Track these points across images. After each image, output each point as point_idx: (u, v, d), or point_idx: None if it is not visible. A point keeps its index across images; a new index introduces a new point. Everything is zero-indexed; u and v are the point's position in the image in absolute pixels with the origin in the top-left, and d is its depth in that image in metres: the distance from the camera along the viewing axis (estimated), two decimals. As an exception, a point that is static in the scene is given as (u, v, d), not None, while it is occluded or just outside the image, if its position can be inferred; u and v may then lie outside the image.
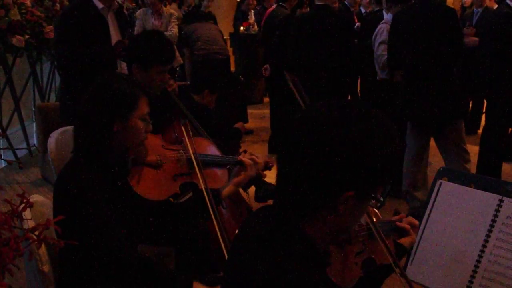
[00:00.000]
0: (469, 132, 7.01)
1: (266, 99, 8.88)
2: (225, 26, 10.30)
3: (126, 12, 6.84)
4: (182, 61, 8.42)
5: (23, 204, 1.33)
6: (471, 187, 2.24)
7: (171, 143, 2.96)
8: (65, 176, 2.28)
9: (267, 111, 7.70)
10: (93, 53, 4.13)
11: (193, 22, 8.23)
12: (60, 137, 3.04)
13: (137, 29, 7.58)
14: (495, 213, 2.15)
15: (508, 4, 5.20)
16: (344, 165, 1.31)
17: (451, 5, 7.14)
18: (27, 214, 1.44)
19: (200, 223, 2.90)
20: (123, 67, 4.30)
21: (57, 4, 6.30)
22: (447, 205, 2.28)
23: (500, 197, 2.16)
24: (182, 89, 5.13)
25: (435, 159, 5.92)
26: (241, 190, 3.58)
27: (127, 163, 2.58)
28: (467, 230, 2.20)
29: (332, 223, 1.41)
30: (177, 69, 8.59)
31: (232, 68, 9.90)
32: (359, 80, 7.88)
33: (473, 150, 5.33)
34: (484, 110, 6.76)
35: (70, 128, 3.03)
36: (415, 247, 2.10)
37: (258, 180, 3.30)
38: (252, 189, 4.27)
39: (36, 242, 1.30)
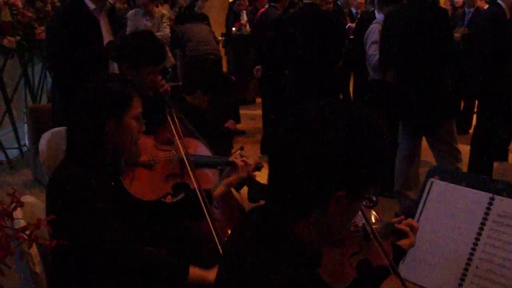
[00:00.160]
0: (461, 132, 7.03)
1: (259, 100, 8.88)
2: (217, 27, 10.29)
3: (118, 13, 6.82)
4: (174, 62, 8.41)
5: (14, 204, 1.32)
6: (462, 186, 2.25)
7: (164, 144, 2.95)
8: (58, 175, 2.27)
9: (259, 112, 7.70)
10: (84, 54, 4.12)
11: (185, 23, 8.22)
12: (51, 138, 3.03)
13: (129, 30, 7.56)
14: (486, 211, 2.17)
15: (499, 4, 5.22)
16: (335, 164, 1.31)
17: (443, 5, 7.17)
18: (18, 213, 1.44)
19: (192, 223, 2.90)
20: (114, 67, 4.29)
21: (48, 5, 6.28)
22: (439, 204, 2.29)
23: (490, 195, 2.17)
24: (174, 90, 5.12)
25: (428, 159, 5.94)
26: (233, 191, 3.58)
27: (120, 163, 2.58)
28: (459, 228, 2.21)
29: (324, 224, 1.41)
30: (169, 69, 8.58)
31: (224, 69, 9.90)
32: (352, 80, 7.89)
33: (465, 149, 5.35)
34: (475, 110, 6.79)
35: (61, 129, 3.02)
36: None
37: (250, 180, 3.30)
38: (244, 189, 4.27)
39: (27, 242, 1.29)
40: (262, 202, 1.55)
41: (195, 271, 2.28)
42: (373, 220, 2.00)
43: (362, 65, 5.96)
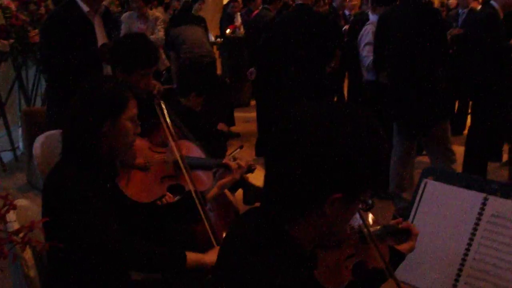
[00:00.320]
0: (455, 133, 7.04)
1: (253, 102, 8.88)
2: (211, 29, 10.29)
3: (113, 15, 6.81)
4: (169, 64, 8.40)
5: (7, 207, 1.32)
6: (456, 186, 2.25)
7: (158, 146, 2.95)
8: (54, 176, 2.27)
9: (254, 114, 7.70)
10: (78, 57, 4.11)
11: (179, 25, 8.22)
12: (45, 142, 3.02)
13: (123, 33, 7.52)
14: (480, 211, 2.17)
15: (491, 5, 5.24)
16: (332, 166, 1.31)
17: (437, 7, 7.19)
18: (11, 216, 1.43)
19: (187, 225, 2.90)
20: (108, 70, 4.28)
21: (42, 8, 6.26)
22: (433, 204, 2.29)
23: (484, 195, 2.17)
24: (168, 92, 5.12)
25: (423, 160, 5.96)
26: (228, 193, 3.58)
27: (115, 165, 2.58)
28: (453, 228, 2.21)
29: (320, 226, 1.41)
30: (164, 72, 8.57)
31: (219, 71, 9.90)
32: (346, 81, 7.89)
33: (459, 150, 5.36)
34: (469, 111, 6.81)
35: (55, 132, 3.02)
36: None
37: (245, 183, 3.30)
38: (239, 192, 4.27)
39: (20, 245, 1.29)
40: (257, 204, 1.55)
41: (191, 256, 2.31)
42: (370, 222, 2.00)
43: (356, 67, 5.97)
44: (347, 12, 9.17)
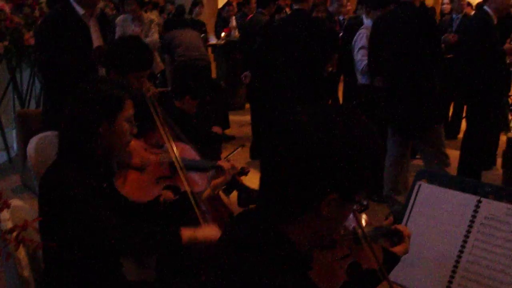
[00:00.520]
0: (450, 137, 7.07)
1: (248, 105, 8.89)
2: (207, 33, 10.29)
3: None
4: (163, 67, 8.40)
5: (0, 205, 1.32)
6: (450, 189, 2.26)
7: (153, 147, 2.96)
8: (51, 175, 2.27)
9: (248, 118, 7.70)
10: (72, 59, 4.11)
11: (174, 29, 8.22)
12: (39, 143, 3.02)
13: (117, 36, 7.54)
14: (473, 213, 2.18)
15: (485, 10, 5.26)
16: (328, 167, 1.31)
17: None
18: (5, 215, 1.43)
19: (182, 226, 2.90)
20: (103, 72, 4.28)
21: (36, 10, 6.26)
22: (426, 207, 2.30)
23: (478, 198, 2.18)
24: (163, 95, 5.12)
25: (417, 163, 5.97)
26: (222, 195, 3.58)
27: (112, 165, 2.58)
28: (446, 231, 2.22)
29: (315, 227, 1.41)
30: (158, 75, 8.57)
31: (214, 75, 9.89)
32: (341, 85, 7.90)
33: (454, 154, 5.37)
34: (464, 115, 6.83)
35: (50, 133, 3.01)
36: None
37: (239, 185, 3.30)
38: (234, 194, 4.27)
39: (13, 244, 1.29)
40: (252, 206, 1.55)
41: (185, 232, 2.34)
42: (364, 224, 2.00)
43: (350, 70, 5.99)
44: (341, 17, 9.20)
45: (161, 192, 2.75)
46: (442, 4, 10.33)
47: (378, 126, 1.44)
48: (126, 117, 2.35)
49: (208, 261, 1.67)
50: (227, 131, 8.07)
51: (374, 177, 1.41)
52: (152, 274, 2.98)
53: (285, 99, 5.72)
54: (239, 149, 3.23)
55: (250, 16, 8.09)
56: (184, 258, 2.82)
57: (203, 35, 9.43)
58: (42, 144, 3.00)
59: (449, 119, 7.71)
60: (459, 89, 6.12)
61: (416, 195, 2.35)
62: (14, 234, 1.33)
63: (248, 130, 7.85)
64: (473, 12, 7.50)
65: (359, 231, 1.78)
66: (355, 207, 1.47)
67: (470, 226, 2.17)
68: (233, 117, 8.73)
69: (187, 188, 2.68)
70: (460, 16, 7.66)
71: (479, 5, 6.70)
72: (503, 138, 7.00)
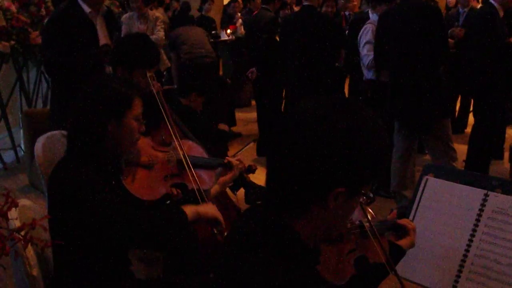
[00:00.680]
0: (457, 131, 7.05)
1: (254, 102, 8.89)
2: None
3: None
4: (169, 65, 8.41)
5: (8, 204, 1.33)
6: (457, 183, 2.26)
7: (160, 145, 2.97)
8: (59, 171, 2.28)
9: (254, 114, 7.70)
10: (79, 58, 4.12)
11: (179, 26, 8.23)
12: (47, 142, 3.02)
13: (123, 33, 7.55)
14: (480, 207, 2.17)
15: (491, 4, 5.25)
16: (334, 161, 1.31)
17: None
18: (13, 214, 1.44)
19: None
20: (110, 70, 4.29)
21: (42, 9, 6.27)
22: (434, 201, 2.30)
23: (485, 191, 2.18)
24: (169, 93, 5.12)
25: (425, 158, 5.96)
26: (230, 192, 3.59)
27: (120, 163, 2.59)
28: (454, 225, 2.21)
29: (322, 220, 1.41)
30: (164, 72, 8.58)
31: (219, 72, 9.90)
32: (347, 80, 7.89)
33: (461, 149, 5.37)
34: (471, 109, 6.81)
35: (57, 132, 3.02)
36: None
37: (246, 182, 3.31)
38: (241, 191, 4.28)
39: (22, 242, 1.29)
40: (259, 203, 1.56)
41: (187, 210, 2.37)
42: (369, 218, 2.01)
43: (356, 66, 5.98)
44: (347, 13, 9.20)
45: (168, 190, 2.76)
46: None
47: (384, 121, 1.44)
48: (134, 115, 2.36)
49: (216, 258, 1.67)
50: (233, 128, 8.08)
51: (380, 170, 1.42)
52: (160, 272, 3.00)
53: (294, 94, 5.73)
54: (251, 144, 3.23)
55: (255, 12, 8.09)
56: (191, 255, 2.84)
57: (214, 31, 9.44)
58: (49, 143, 3.01)
59: (457, 113, 7.70)
60: (466, 83, 6.10)
61: (423, 189, 2.35)
62: (23, 232, 1.33)
63: (254, 127, 7.85)
64: (479, 6, 7.45)
65: (366, 224, 1.79)
66: (361, 200, 1.47)
67: (478, 220, 2.17)
68: (239, 114, 8.74)
69: (195, 186, 2.69)
70: (466, 10, 7.64)
71: (485, -2, 6.67)
72: (510, 132, 7.01)
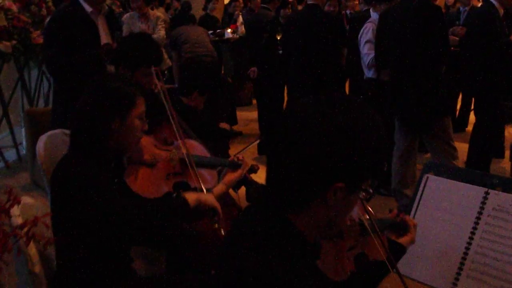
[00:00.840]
0: (458, 129, 7.05)
1: (255, 101, 8.89)
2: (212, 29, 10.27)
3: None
4: (170, 64, 8.42)
5: (11, 201, 1.34)
6: (457, 181, 2.26)
7: (163, 143, 2.97)
8: (62, 167, 2.29)
9: (255, 113, 7.71)
10: (81, 57, 4.13)
11: (180, 25, 8.23)
12: (48, 141, 3.03)
13: (124, 33, 7.56)
14: (481, 205, 2.18)
15: (491, 2, 5.25)
16: (334, 156, 1.32)
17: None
18: (15, 211, 1.45)
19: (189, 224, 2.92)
20: (111, 70, 4.30)
21: (43, 9, 6.28)
22: (434, 199, 2.30)
23: (486, 189, 2.19)
24: (170, 92, 5.12)
25: (426, 156, 5.97)
26: (231, 191, 3.59)
27: (123, 161, 2.60)
28: (454, 223, 2.22)
29: (322, 216, 1.42)
30: (165, 72, 8.58)
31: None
32: (348, 79, 7.89)
33: (462, 147, 5.36)
34: (472, 107, 6.81)
35: (58, 131, 3.03)
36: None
37: (247, 181, 3.31)
38: (242, 190, 4.28)
39: (24, 239, 1.30)
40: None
41: (189, 196, 2.40)
42: (369, 212, 2.01)
43: (357, 64, 5.98)
44: (348, 12, 9.20)
45: (171, 189, 2.77)
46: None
47: (385, 120, 1.45)
48: (138, 114, 2.37)
49: (217, 254, 1.68)
50: (234, 127, 8.08)
51: (379, 165, 1.42)
52: (162, 270, 3.00)
53: (296, 93, 5.73)
54: (257, 141, 3.23)
55: (256, 11, 8.09)
56: (193, 252, 2.84)
57: (219, 30, 9.44)
58: (51, 141, 3.02)
59: (457, 112, 7.70)
60: (466, 82, 6.10)
61: (424, 187, 2.35)
62: (25, 230, 1.34)
63: (255, 126, 7.85)
64: (479, 5, 7.46)
65: (367, 221, 1.79)
66: (361, 195, 1.47)
67: (478, 218, 2.17)
68: (240, 113, 8.74)
69: (197, 185, 2.69)
70: (467, 8, 7.64)
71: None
72: (510, 131, 7.01)
